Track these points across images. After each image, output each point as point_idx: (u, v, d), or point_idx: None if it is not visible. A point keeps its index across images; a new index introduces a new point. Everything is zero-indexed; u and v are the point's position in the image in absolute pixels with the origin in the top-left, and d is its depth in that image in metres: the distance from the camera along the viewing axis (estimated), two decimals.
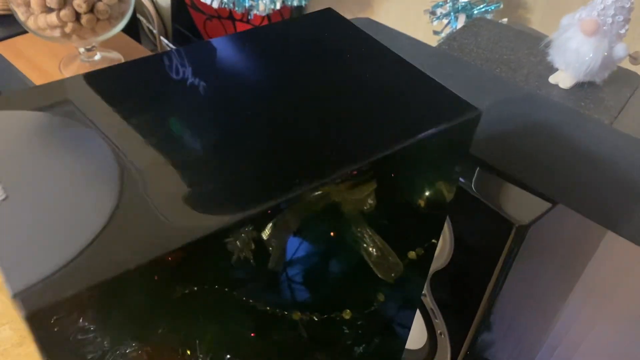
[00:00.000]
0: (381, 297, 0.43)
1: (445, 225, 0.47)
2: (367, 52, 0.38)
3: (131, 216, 0.26)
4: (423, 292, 0.53)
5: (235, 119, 0.32)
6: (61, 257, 0.23)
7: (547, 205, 0.43)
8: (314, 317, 0.39)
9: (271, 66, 0.37)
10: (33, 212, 0.26)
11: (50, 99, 0.33)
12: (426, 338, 0.56)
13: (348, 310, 0.41)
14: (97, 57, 0.84)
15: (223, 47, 0.38)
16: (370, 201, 0.33)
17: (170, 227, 0.25)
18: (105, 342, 0.26)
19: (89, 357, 0.26)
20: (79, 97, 0.33)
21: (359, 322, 0.43)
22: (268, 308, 0.34)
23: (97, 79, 0.34)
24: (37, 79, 0.84)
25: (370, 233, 0.36)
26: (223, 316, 0.32)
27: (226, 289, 0.30)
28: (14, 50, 0.88)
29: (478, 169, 0.46)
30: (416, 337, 0.58)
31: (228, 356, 0.35)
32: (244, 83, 0.35)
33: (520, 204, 0.43)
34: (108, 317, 0.25)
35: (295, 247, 0.32)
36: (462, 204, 0.44)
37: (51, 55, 0.87)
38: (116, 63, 0.56)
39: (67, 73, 0.84)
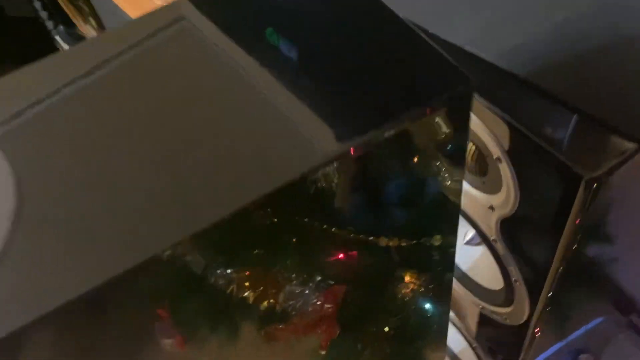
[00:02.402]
0: None
1: (507, 169, 0.40)
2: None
3: None
4: (493, 237, 0.48)
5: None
6: None
7: (631, 147, 0.35)
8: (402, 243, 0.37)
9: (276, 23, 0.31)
10: None
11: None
12: (502, 283, 0.51)
13: (438, 237, 0.38)
14: None
15: None
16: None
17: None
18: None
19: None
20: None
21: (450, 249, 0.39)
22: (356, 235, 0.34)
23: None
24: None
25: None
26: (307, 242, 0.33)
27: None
28: None
29: (541, 104, 0.38)
30: (492, 278, 0.53)
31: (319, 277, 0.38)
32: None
33: (594, 150, 0.35)
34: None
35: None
36: (522, 149, 0.37)
37: None
38: None
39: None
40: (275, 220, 0.28)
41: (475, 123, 0.40)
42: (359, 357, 0.47)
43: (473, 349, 0.69)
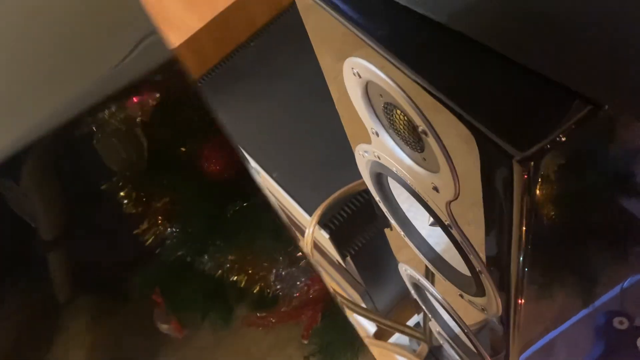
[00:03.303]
0: None
1: (437, 145, 0.31)
2: None
3: None
4: (447, 221, 0.39)
5: None
6: None
7: (583, 110, 0.25)
8: None
9: None
10: None
11: None
12: (469, 272, 0.43)
13: None
14: None
15: None
16: None
17: None
18: None
19: None
20: None
21: None
22: None
23: None
24: None
25: None
26: None
27: None
28: None
29: (466, 60, 0.28)
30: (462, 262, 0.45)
31: None
32: None
33: (532, 118, 0.26)
34: None
35: None
36: (446, 121, 0.28)
37: None
38: None
39: None
40: None
41: (391, 86, 0.31)
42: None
43: (466, 334, 0.61)
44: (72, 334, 0.37)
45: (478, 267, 0.40)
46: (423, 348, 1.05)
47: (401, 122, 0.35)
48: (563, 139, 0.25)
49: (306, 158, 0.81)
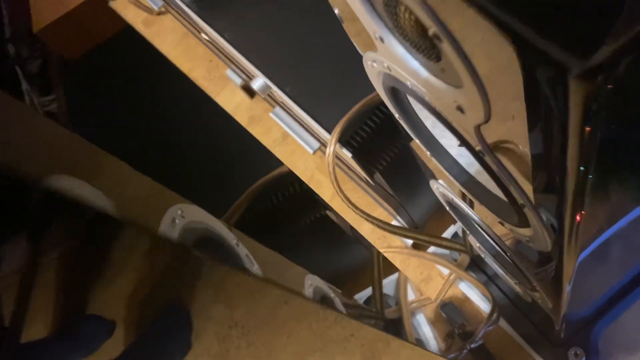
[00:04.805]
0: None
1: (453, 53, 0.22)
2: None
3: None
4: (478, 147, 0.30)
5: None
6: None
7: None
8: None
9: None
10: None
11: None
12: (507, 201, 0.34)
13: None
14: None
15: None
16: None
17: None
18: None
19: None
20: None
21: None
22: None
23: None
24: None
25: None
26: None
27: None
28: None
29: None
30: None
31: None
32: None
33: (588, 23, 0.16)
34: None
35: None
36: (468, 22, 0.19)
37: None
38: None
39: None
40: None
41: None
42: None
43: (509, 257, 0.54)
44: None
45: (520, 201, 0.32)
46: (464, 258, 0.99)
47: (407, 21, 0.25)
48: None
49: (317, 71, 0.72)
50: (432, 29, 0.22)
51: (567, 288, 0.46)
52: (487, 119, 0.25)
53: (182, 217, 0.40)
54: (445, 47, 0.22)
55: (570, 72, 0.16)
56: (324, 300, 0.74)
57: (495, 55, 0.20)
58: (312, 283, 0.70)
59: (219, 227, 0.48)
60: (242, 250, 0.50)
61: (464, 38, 0.21)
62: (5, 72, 1.09)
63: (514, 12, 0.17)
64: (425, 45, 0.26)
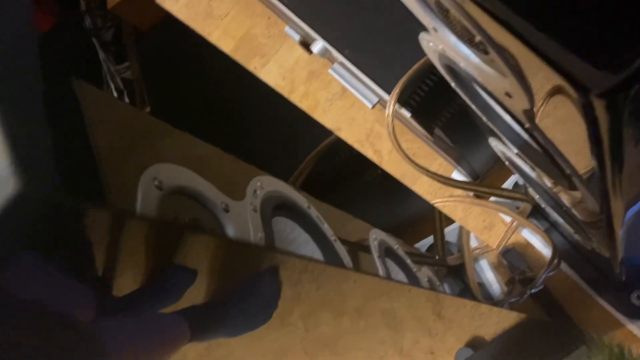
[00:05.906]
0: None
1: (495, 54, 0.25)
2: None
3: None
4: (527, 125, 0.33)
5: None
6: None
7: None
8: None
9: None
10: None
11: None
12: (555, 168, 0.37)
13: None
14: None
15: None
16: None
17: None
18: None
19: None
20: None
21: None
22: None
23: None
24: None
25: None
26: None
27: None
28: None
29: None
30: None
31: None
32: None
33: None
34: None
35: None
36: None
37: None
38: None
39: None
40: None
41: None
42: None
43: (564, 211, 0.56)
44: None
45: (567, 171, 0.34)
46: (526, 206, 1.01)
47: (457, 25, 0.28)
48: None
49: (375, 33, 0.74)
50: (478, 38, 0.25)
51: (619, 233, 0.49)
52: (532, 106, 0.28)
53: (262, 187, 0.45)
54: (491, 50, 0.25)
55: (592, 91, 0.19)
56: (388, 252, 0.79)
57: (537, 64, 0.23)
58: (376, 237, 0.75)
59: (291, 192, 0.53)
60: (314, 212, 0.56)
61: (508, 46, 0.24)
62: (83, 44, 1.17)
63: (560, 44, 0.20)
64: (474, 41, 0.29)
